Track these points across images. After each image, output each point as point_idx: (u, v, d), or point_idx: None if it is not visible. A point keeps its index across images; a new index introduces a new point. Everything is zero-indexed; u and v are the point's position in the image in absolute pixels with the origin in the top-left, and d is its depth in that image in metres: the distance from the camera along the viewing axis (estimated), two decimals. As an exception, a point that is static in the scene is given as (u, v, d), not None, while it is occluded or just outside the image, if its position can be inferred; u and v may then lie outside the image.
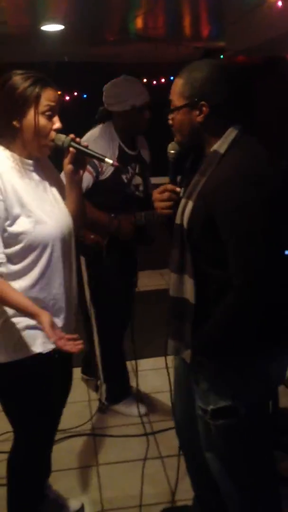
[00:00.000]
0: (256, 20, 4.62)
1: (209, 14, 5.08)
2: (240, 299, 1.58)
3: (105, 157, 1.83)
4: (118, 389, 3.06)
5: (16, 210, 1.71)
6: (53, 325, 1.66)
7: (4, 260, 1.71)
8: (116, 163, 1.87)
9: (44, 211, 1.78)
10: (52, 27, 5.07)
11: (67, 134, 1.81)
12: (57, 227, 1.80)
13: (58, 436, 2.78)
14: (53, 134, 1.78)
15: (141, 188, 2.88)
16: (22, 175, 1.76)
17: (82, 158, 1.85)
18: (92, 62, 5.98)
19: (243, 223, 1.54)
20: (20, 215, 1.71)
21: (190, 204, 1.65)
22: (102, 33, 5.51)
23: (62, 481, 2.47)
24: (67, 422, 2.92)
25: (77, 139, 1.82)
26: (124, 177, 2.77)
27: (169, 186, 1.76)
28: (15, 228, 1.71)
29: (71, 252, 1.91)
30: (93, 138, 2.70)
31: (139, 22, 5.26)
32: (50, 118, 1.76)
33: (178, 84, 1.67)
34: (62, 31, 5.16)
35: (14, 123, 1.73)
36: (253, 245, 1.54)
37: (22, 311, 1.73)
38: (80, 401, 3.12)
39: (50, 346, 1.78)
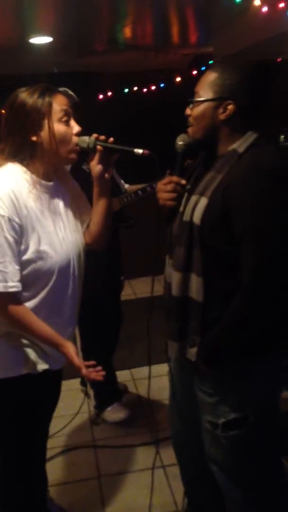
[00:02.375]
0: (242, 25, 4.65)
1: (196, 20, 5.11)
2: (251, 298, 1.53)
3: (134, 147, 1.73)
4: (104, 393, 3.06)
5: (29, 238, 1.66)
6: (77, 354, 1.70)
7: (20, 288, 1.65)
8: (146, 151, 1.74)
9: (51, 243, 1.71)
10: (40, 40, 5.09)
11: None
12: (64, 255, 1.74)
13: (58, 449, 2.78)
14: (75, 138, 1.73)
15: None
16: (37, 199, 1.69)
17: (108, 156, 1.77)
18: (82, 72, 5.99)
19: (259, 220, 1.50)
20: (30, 243, 1.66)
21: (204, 201, 1.60)
22: (90, 44, 5.53)
23: (64, 495, 2.44)
24: (67, 434, 2.91)
25: (101, 137, 1.75)
26: (85, 168, 2.74)
27: (175, 178, 1.71)
28: (24, 256, 1.66)
29: (80, 273, 1.85)
30: None
31: (127, 32, 5.29)
32: (67, 123, 1.71)
33: (210, 77, 1.64)
34: (50, 43, 5.17)
35: (33, 138, 1.67)
36: (267, 244, 1.50)
37: (46, 341, 1.72)
38: (79, 412, 3.09)
39: (41, 367, 1.77)
